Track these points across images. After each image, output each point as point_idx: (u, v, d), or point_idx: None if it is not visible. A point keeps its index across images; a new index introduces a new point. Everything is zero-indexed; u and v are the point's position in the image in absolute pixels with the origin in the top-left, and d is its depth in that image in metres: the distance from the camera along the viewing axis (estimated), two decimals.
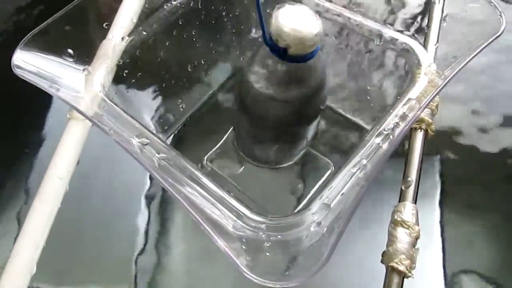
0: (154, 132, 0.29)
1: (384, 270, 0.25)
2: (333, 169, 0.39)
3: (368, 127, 0.39)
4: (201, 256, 0.37)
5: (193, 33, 0.38)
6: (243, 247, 0.23)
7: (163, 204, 0.40)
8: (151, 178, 0.41)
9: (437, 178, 0.40)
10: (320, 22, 0.25)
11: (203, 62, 0.41)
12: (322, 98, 0.32)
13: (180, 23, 0.36)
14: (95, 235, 0.38)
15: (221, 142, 0.40)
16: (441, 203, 0.39)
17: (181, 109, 0.41)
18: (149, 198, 0.40)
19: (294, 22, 0.25)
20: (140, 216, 0.39)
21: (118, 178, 0.41)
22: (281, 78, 0.28)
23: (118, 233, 0.38)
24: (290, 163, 0.39)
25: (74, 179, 0.30)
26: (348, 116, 0.41)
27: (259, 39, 0.28)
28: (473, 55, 0.28)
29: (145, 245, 0.37)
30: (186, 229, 0.39)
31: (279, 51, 0.26)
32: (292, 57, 0.26)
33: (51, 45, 0.30)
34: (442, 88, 0.27)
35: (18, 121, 0.46)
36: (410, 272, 0.25)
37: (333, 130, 0.41)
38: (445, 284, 0.35)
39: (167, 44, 0.36)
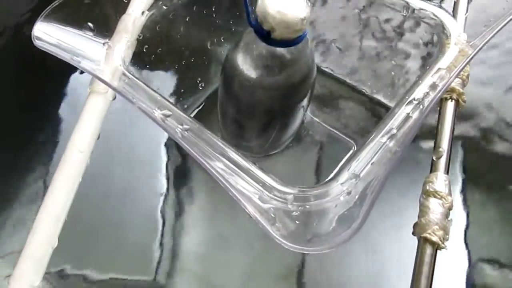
0: None
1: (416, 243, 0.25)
2: (355, 149, 0.38)
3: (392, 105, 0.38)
4: (217, 242, 0.37)
5: (213, 9, 0.37)
6: (272, 215, 0.23)
7: (181, 183, 0.39)
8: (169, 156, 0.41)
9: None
10: (308, 7, 0.24)
11: (222, 40, 0.40)
12: (308, 87, 0.31)
13: None
14: (114, 211, 0.38)
15: None
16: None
17: (200, 88, 0.40)
18: (168, 175, 0.39)
19: (281, 4, 0.24)
20: (159, 193, 0.39)
21: (138, 156, 0.41)
22: (265, 62, 0.27)
23: (136, 211, 0.38)
24: (277, 151, 0.39)
25: (94, 154, 0.30)
26: (372, 94, 0.40)
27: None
28: (504, 23, 0.27)
29: (163, 226, 0.37)
30: (201, 218, 0.38)
31: (263, 33, 0.25)
32: (276, 41, 0.25)
33: (71, 18, 0.30)
34: (473, 57, 0.27)
35: (38, 96, 0.45)
36: (443, 243, 0.24)
37: (356, 109, 0.40)
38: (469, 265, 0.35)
39: (187, 19, 0.36)
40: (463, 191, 0.38)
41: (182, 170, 0.40)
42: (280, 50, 0.26)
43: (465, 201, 0.38)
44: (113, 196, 0.39)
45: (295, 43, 0.26)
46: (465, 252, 0.35)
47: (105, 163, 0.39)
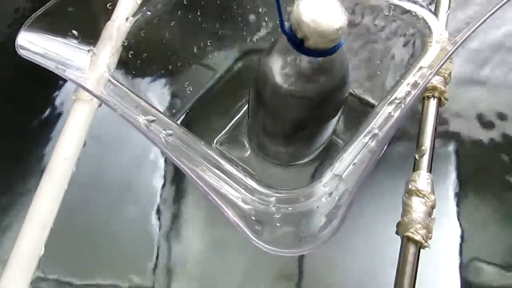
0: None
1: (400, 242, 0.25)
2: None
3: None
4: (214, 246, 0.37)
5: (198, 13, 0.37)
6: (253, 218, 0.23)
7: (177, 188, 0.39)
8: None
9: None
10: (345, 17, 0.23)
11: (209, 44, 0.40)
12: (342, 96, 0.30)
13: (185, 2, 0.36)
14: (108, 217, 0.38)
15: (229, 125, 0.40)
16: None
17: (188, 92, 0.41)
18: (162, 184, 0.40)
19: (316, 12, 0.23)
20: (150, 199, 0.38)
21: (126, 162, 0.41)
22: (297, 71, 0.27)
23: (126, 218, 0.38)
24: (305, 160, 0.38)
25: (80, 161, 0.30)
26: (358, 94, 0.40)
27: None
28: (484, 18, 0.27)
29: (159, 231, 0.37)
30: (198, 220, 0.38)
31: (296, 42, 0.24)
32: (309, 50, 0.24)
33: (55, 26, 0.30)
34: (452, 53, 0.27)
35: (23, 103, 0.46)
36: (426, 242, 0.24)
37: (345, 110, 0.40)
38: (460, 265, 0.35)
39: (172, 24, 0.36)
40: (456, 189, 0.38)
41: (177, 174, 0.40)
42: (314, 59, 0.25)
43: (458, 199, 0.37)
44: (107, 202, 0.39)
45: (328, 53, 0.25)
46: (459, 251, 0.35)
47: (94, 170, 0.39)
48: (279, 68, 0.27)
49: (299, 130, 0.33)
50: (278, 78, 0.27)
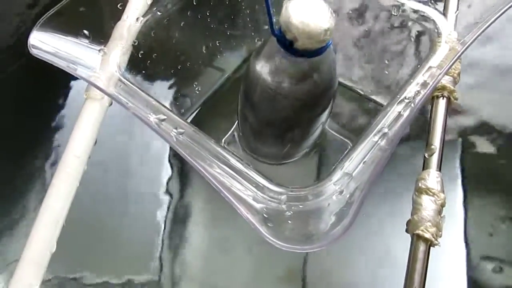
0: None
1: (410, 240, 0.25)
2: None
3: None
4: (218, 246, 0.37)
5: (207, 13, 0.38)
6: (265, 215, 0.23)
7: (182, 188, 0.39)
8: (170, 162, 0.41)
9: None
10: (333, 18, 0.24)
11: (218, 44, 0.40)
12: (329, 97, 0.30)
13: (194, 3, 0.36)
14: (114, 217, 0.38)
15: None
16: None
17: (197, 92, 0.41)
18: (168, 184, 0.40)
19: (304, 14, 0.24)
20: (158, 201, 0.39)
21: (135, 163, 0.41)
22: (286, 71, 0.27)
23: (135, 219, 0.38)
24: (294, 159, 0.38)
25: (91, 160, 0.30)
26: (366, 94, 0.40)
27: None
28: (494, 18, 0.27)
29: (163, 233, 0.37)
30: (204, 221, 0.38)
31: (285, 43, 0.25)
32: (298, 51, 0.25)
33: (67, 26, 0.30)
34: (462, 53, 0.27)
35: (35, 102, 0.46)
36: (436, 240, 0.24)
37: (351, 109, 0.40)
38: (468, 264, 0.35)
39: (181, 24, 0.36)
40: (463, 188, 0.38)
41: (182, 174, 0.40)
42: (303, 60, 0.26)
43: (465, 198, 0.38)
44: (113, 201, 0.39)
45: (317, 54, 0.25)
46: (466, 250, 0.35)
47: (104, 168, 0.40)
48: (269, 69, 0.28)
49: (288, 130, 0.33)
50: (268, 79, 0.28)
